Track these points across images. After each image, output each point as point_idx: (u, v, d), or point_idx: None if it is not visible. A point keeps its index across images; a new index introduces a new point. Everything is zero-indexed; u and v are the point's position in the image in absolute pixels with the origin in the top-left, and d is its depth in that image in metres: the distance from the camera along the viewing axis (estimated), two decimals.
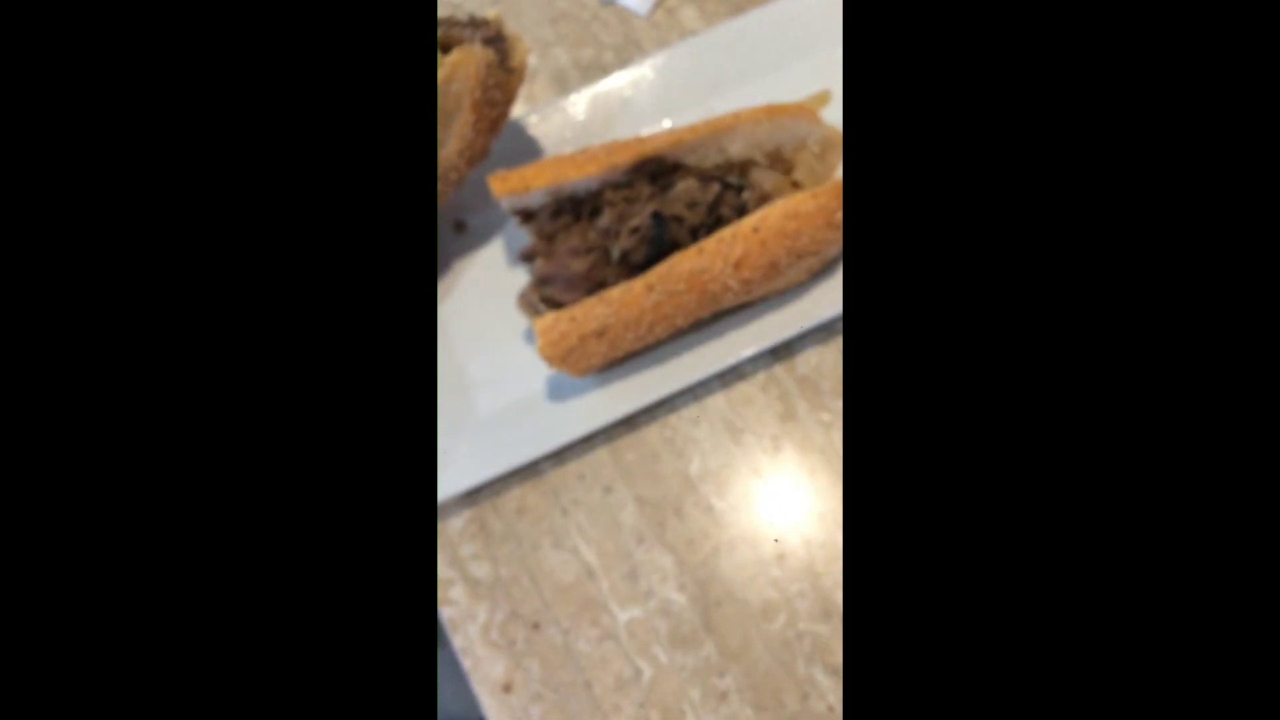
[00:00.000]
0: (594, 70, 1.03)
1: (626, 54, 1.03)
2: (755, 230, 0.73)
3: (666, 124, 0.93)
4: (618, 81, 0.95)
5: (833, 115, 0.91)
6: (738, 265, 0.73)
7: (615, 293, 0.72)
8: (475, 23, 0.79)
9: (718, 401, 0.85)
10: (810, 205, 0.73)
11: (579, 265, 0.75)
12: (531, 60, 1.05)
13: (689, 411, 0.85)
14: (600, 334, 0.73)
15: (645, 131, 0.93)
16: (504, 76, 0.78)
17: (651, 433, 0.84)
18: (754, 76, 0.94)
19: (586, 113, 0.95)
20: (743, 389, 0.85)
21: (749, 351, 0.80)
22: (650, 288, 0.72)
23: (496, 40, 0.78)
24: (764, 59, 0.95)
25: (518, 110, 1.02)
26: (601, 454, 0.84)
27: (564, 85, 1.03)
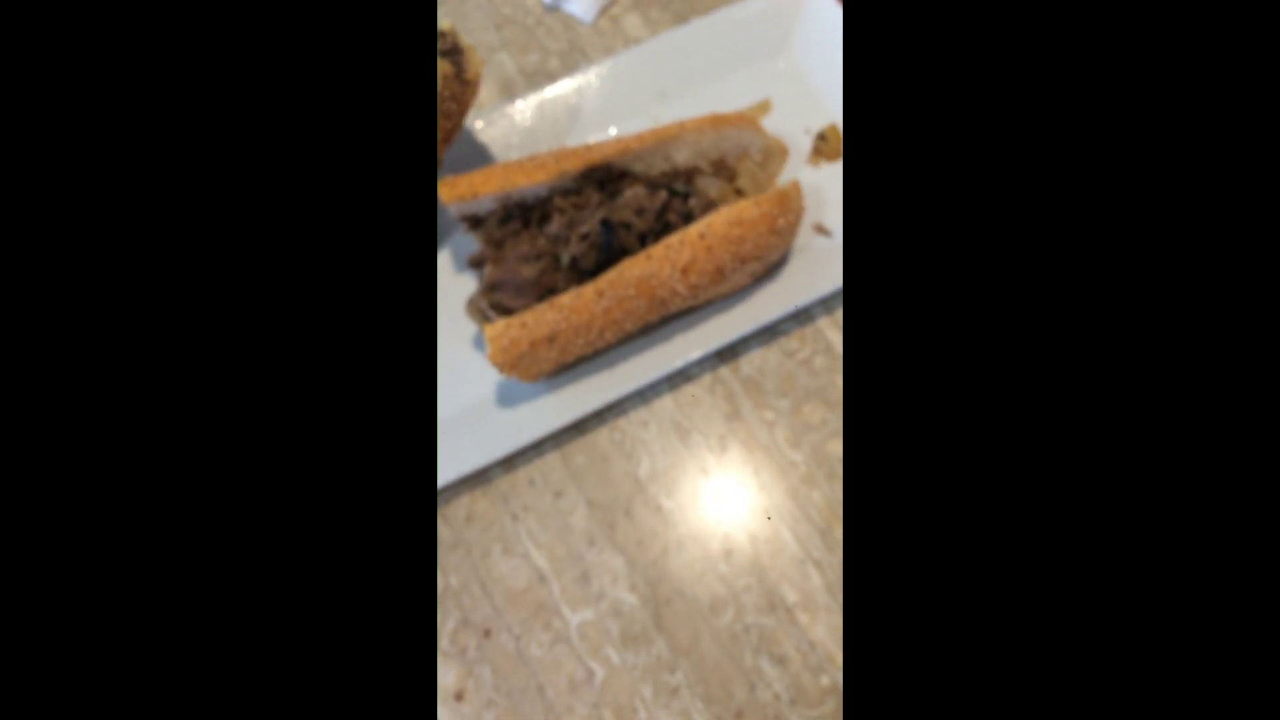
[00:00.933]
0: (539, 76, 1.03)
1: (572, 60, 1.04)
2: (702, 237, 0.75)
3: (613, 131, 0.95)
4: (564, 88, 0.96)
5: (772, 123, 0.94)
6: (685, 270, 0.75)
7: (566, 298, 0.73)
8: None
9: (665, 403, 0.86)
10: (754, 212, 0.76)
11: (529, 271, 0.75)
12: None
13: (638, 414, 0.86)
14: (551, 339, 0.74)
15: (593, 139, 0.94)
16: (459, 89, 0.78)
17: (601, 436, 0.85)
18: (698, 85, 0.97)
19: (533, 119, 0.95)
20: (690, 391, 0.87)
21: (696, 354, 0.82)
22: (600, 293, 0.73)
23: (453, 52, 0.77)
24: (707, 68, 0.97)
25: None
26: (552, 458, 0.85)
27: (510, 91, 1.03)
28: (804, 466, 0.83)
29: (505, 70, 1.04)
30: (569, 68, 1.03)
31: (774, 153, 0.85)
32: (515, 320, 0.73)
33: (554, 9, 1.07)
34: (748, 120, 0.82)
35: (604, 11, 1.06)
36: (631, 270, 0.74)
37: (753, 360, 0.87)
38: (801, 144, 0.93)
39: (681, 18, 1.05)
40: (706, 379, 0.87)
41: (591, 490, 0.83)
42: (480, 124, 0.95)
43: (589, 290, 0.73)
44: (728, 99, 0.96)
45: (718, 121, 0.80)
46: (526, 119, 0.95)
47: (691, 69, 0.97)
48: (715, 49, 0.97)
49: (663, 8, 1.06)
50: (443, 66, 0.75)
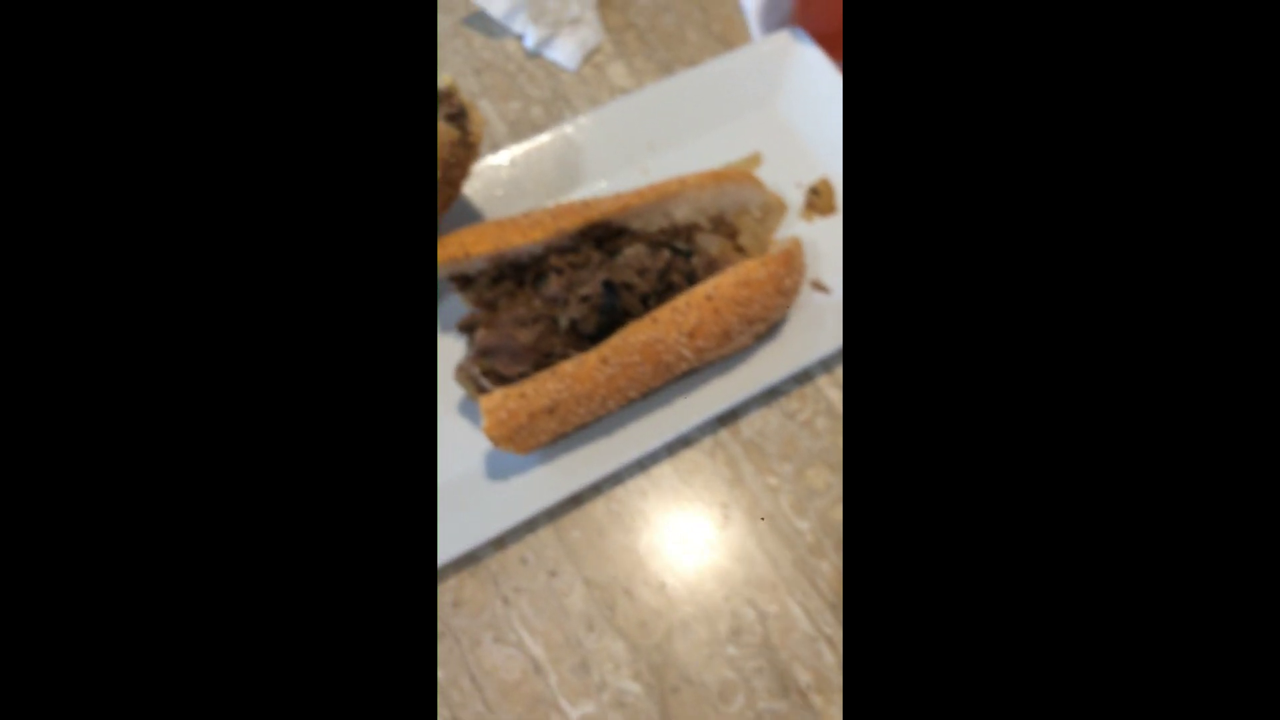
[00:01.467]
0: (522, 124, 0.99)
1: (556, 109, 1.01)
2: (709, 298, 0.71)
3: (604, 185, 0.91)
4: (550, 139, 0.92)
5: (763, 176, 0.92)
6: (692, 334, 0.71)
7: (568, 366, 0.68)
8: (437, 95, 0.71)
9: (664, 470, 0.82)
10: (761, 273, 0.73)
11: (525, 336, 0.70)
12: None
13: (635, 483, 0.81)
14: (551, 410, 0.69)
15: (582, 192, 0.90)
16: (463, 153, 0.72)
17: (597, 508, 0.80)
18: (686, 136, 0.94)
19: (519, 171, 0.91)
20: (689, 456, 0.82)
21: (696, 420, 0.78)
22: (605, 360, 0.69)
23: (458, 116, 0.70)
24: (696, 119, 0.95)
25: None
26: (545, 533, 0.79)
27: (492, 139, 0.98)
28: (810, 535, 0.79)
29: (486, 116, 1.00)
30: (553, 116, 1.00)
31: (772, 208, 0.83)
32: (514, 391, 0.68)
33: (536, 55, 1.04)
34: (748, 176, 0.80)
35: (588, 59, 1.03)
36: (636, 335, 0.69)
37: (753, 422, 0.84)
38: (793, 198, 0.91)
39: (666, 67, 1.03)
40: (706, 443, 0.83)
41: (589, 568, 0.78)
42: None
43: (592, 357, 0.69)
44: (717, 151, 0.93)
45: (719, 177, 0.77)
46: (511, 170, 0.91)
47: (680, 120, 0.94)
48: (703, 100, 0.95)
49: (647, 56, 1.04)
50: (446, 131, 0.69)
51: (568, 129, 0.92)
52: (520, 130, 0.99)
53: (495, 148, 0.97)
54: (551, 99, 1.01)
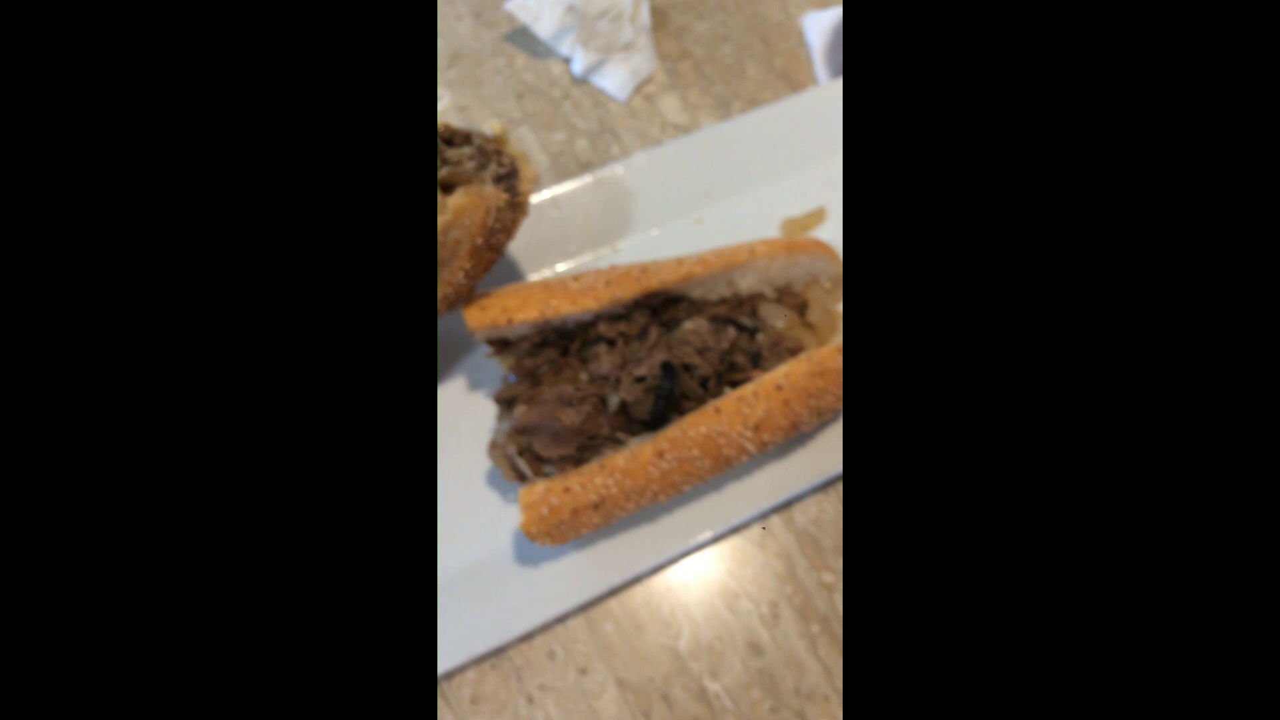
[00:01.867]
0: (565, 158, 0.92)
1: (602, 142, 0.93)
2: (779, 389, 0.64)
3: (655, 233, 0.83)
4: (596, 179, 0.84)
5: (826, 234, 0.85)
6: (758, 427, 0.64)
7: (620, 459, 0.61)
8: (484, 150, 0.62)
9: (709, 560, 0.74)
10: (838, 361, 0.65)
11: (570, 417, 0.63)
12: None
13: (677, 572, 0.74)
14: (597, 506, 0.61)
15: (631, 240, 0.83)
16: (510, 215, 0.63)
17: (635, 598, 0.73)
18: (746, 185, 0.86)
19: (562, 214, 0.83)
20: (737, 545, 0.75)
21: (752, 513, 0.71)
22: (661, 454, 0.61)
23: (509, 175, 0.62)
24: (756, 168, 0.87)
25: None
26: (576, 625, 0.71)
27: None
28: None
29: (527, 147, 0.92)
30: (598, 151, 0.92)
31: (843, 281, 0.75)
32: (557, 484, 0.60)
33: (583, 82, 0.95)
34: (822, 247, 0.72)
35: (639, 89, 0.95)
36: (697, 427, 0.62)
37: (808, 509, 0.76)
38: None
39: (723, 102, 0.95)
40: (756, 531, 0.76)
41: (623, 667, 0.71)
42: None
43: (648, 450, 0.61)
44: (778, 203, 0.86)
45: (792, 248, 0.70)
46: (553, 214, 0.83)
47: (739, 167, 0.87)
48: (765, 147, 0.87)
49: (703, 90, 0.96)
50: (496, 196, 0.59)
51: (618, 169, 0.84)
52: (563, 164, 0.91)
53: (538, 184, 0.89)
54: (598, 131, 0.93)
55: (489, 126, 0.65)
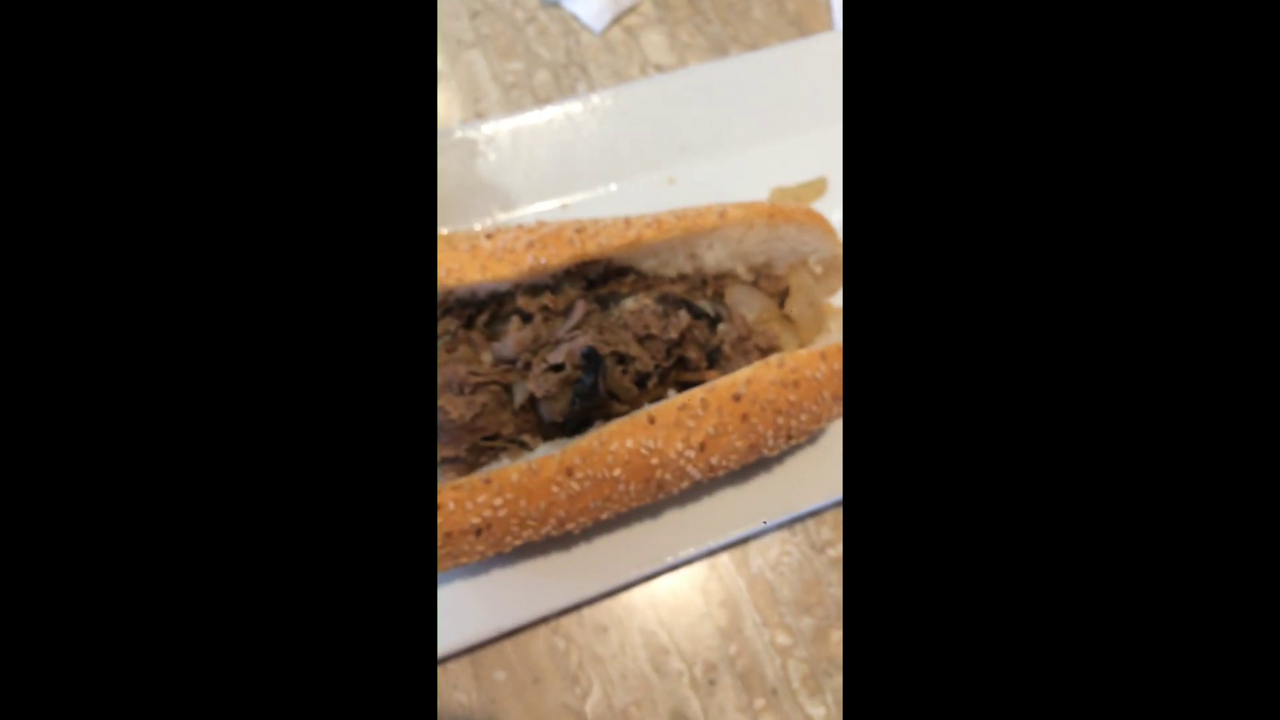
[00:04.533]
0: (520, 91, 0.76)
1: (567, 77, 0.77)
2: (736, 399, 0.48)
3: (612, 188, 0.68)
4: (549, 117, 0.68)
5: (825, 208, 0.69)
6: (703, 447, 0.48)
7: (513, 474, 0.45)
8: None
9: (636, 602, 0.59)
10: (819, 370, 0.50)
11: (459, 409, 0.48)
12: (439, 64, 0.76)
13: (594, 613, 0.59)
14: (480, 531, 0.46)
15: (581, 195, 0.67)
16: None
17: (536, 640, 0.58)
18: (733, 143, 0.71)
19: (504, 153, 0.67)
20: (673, 586, 0.60)
21: (693, 552, 0.56)
22: (569, 472, 0.46)
23: None
24: (748, 122, 0.71)
25: None
26: (457, 669, 0.57)
27: (476, 103, 0.75)
28: None
29: (474, 73, 0.76)
30: (561, 87, 0.76)
31: (839, 266, 0.60)
32: None
33: (553, 5, 0.79)
34: (817, 219, 0.57)
35: (618, 20, 0.79)
36: (621, 440, 0.46)
37: (767, 550, 0.61)
38: None
39: (719, 46, 0.79)
40: (699, 571, 0.60)
41: None
42: None
43: (552, 466, 0.46)
44: (771, 168, 0.70)
45: (776, 215, 0.54)
46: (494, 151, 0.67)
47: (726, 120, 0.71)
48: (760, 98, 0.72)
49: (697, 28, 0.80)
50: None
51: (576, 107, 0.69)
52: (516, 99, 0.75)
53: (481, 115, 0.73)
54: (564, 64, 0.77)
55: None
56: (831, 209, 0.69)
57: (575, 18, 0.79)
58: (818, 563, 0.61)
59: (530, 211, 0.67)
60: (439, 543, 0.46)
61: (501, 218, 0.66)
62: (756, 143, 0.71)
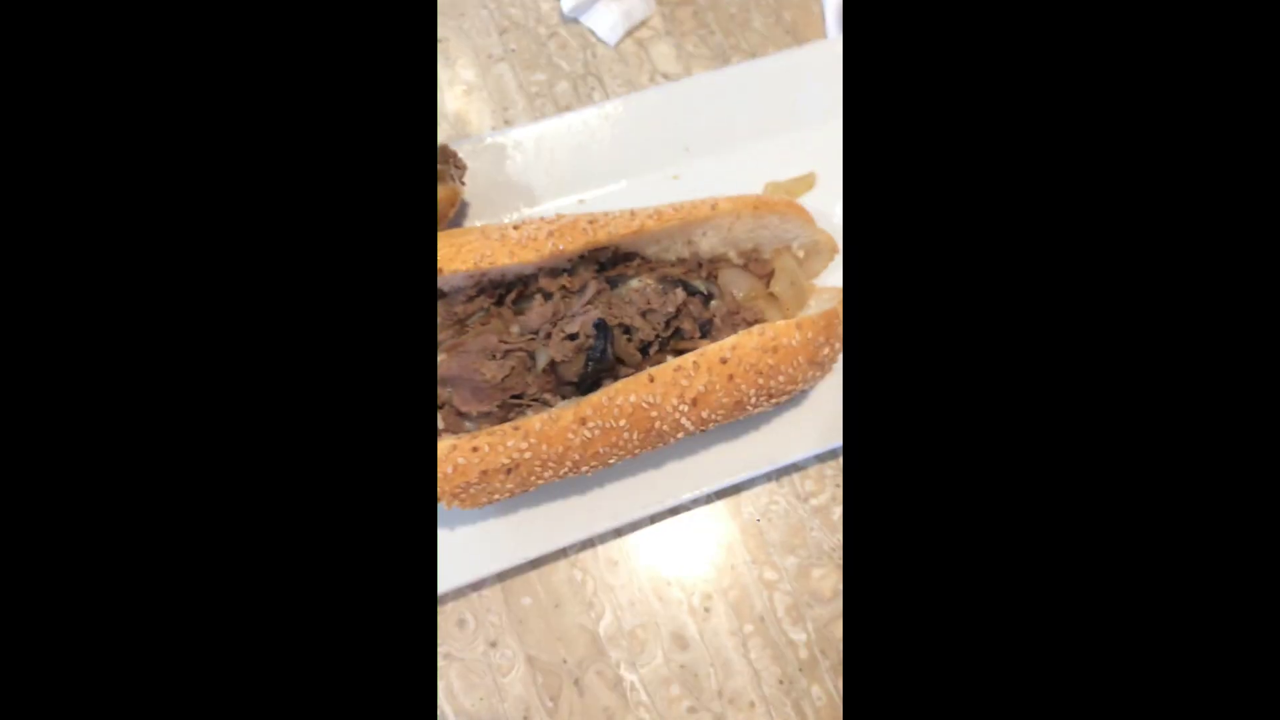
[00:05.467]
0: (543, 100, 0.85)
1: (585, 87, 0.86)
2: (723, 362, 0.57)
3: (622, 184, 0.77)
4: (570, 123, 0.78)
5: (813, 202, 0.77)
6: (695, 402, 0.58)
7: (536, 423, 0.55)
8: (444, 151, 0.68)
9: (643, 540, 0.69)
10: (794, 338, 0.59)
11: (492, 371, 0.58)
12: (469, 75, 0.86)
13: (606, 549, 0.69)
14: (509, 470, 0.56)
15: (594, 192, 0.76)
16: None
17: (557, 572, 0.68)
18: (730, 143, 0.79)
19: (528, 155, 0.77)
20: (675, 528, 0.69)
21: (691, 495, 0.65)
22: (583, 420, 0.56)
23: (461, 171, 0.69)
24: (744, 124, 0.80)
25: (444, 136, 0.83)
26: (491, 594, 0.67)
27: (505, 111, 0.85)
28: (805, 650, 0.66)
29: (503, 83, 0.86)
30: (580, 95, 0.85)
31: (820, 249, 0.69)
32: (465, 442, 0.55)
33: (572, 21, 0.89)
34: (794, 208, 0.66)
35: (631, 33, 0.88)
36: (626, 395, 0.56)
37: (757, 499, 0.71)
38: None
39: (721, 55, 0.88)
40: (698, 514, 0.70)
41: (536, 644, 0.66)
42: (465, 149, 0.77)
43: (568, 415, 0.56)
44: (765, 165, 0.79)
45: (760, 206, 0.63)
46: (520, 154, 0.77)
47: (725, 123, 0.80)
48: (756, 102, 0.80)
49: (701, 39, 0.89)
50: (459, 190, 0.67)
51: (590, 114, 0.78)
52: (539, 107, 0.84)
53: (509, 122, 0.83)
54: (582, 75, 0.87)
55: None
56: (820, 201, 0.77)
57: (592, 32, 0.88)
58: (801, 510, 0.70)
59: (551, 206, 0.76)
60: (476, 480, 0.56)
61: (526, 212, 0.76)
62: (753, 141, 0.79)
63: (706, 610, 0.67)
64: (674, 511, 0.69)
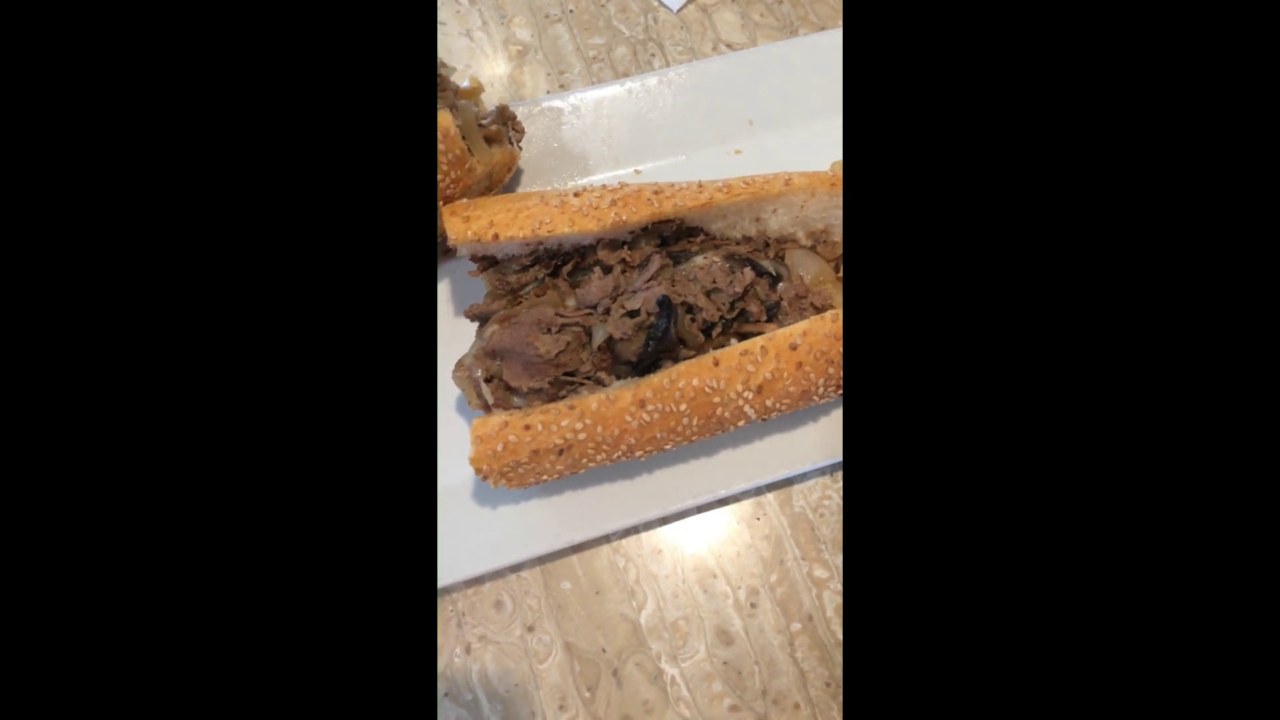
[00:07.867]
0: (600, 65, 0.81)
1: (644, 53, 0.82)
2: (793, 348, 0.54)
3: (682, 158, 0.73)
4: (627, 89, 0.74)
5: None
6: (761, 389, 0.54)
7: (593, 403, 0.52)
8: (503, 114, 0.68)
9: (689, 529, 0.66)
10: None
11: (546, 345, 0.55)
12: (525, 35, 0.83)
13: (651, 537, 0.66)
14: (562, 451, 0.53)
15: (653, 163, 0.73)
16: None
17: (599, 559, 0.65)
18: (799, 119, 0.75)
19: (585, 121, 0.73)
20: (722, 519, 0.66)
21: (744, 485, 0.62)
22: (642, 403, 0.52)
23: (519, 135, 0.69)
24: (813, 99, 0.76)
25: (497, 98, 0.80)
26: (530, 577, 0.64)
27: (561, 74, 0.81)
28: None
29: (559, 45, 0.82)
30: (639, 61, 0.81)
31: None
32: (517, 420, 0.52)
33: None
34: None
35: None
36: (689, 379, 0.53)
37: (809, 492, 0.67)
38: None
39: (789, 26, 0.83)
40: (747, 506, 0.67)
41: (575, 631, 0.63)
42: (520, 112, 0.73)
43: (627, 397, 0.53)
44: (830, 144, 0.75)
45: (838, 184, 0.59)
46: (576, 120, 0.73)
47: (792, 97, 0.76)
48: (826, 77, 0.76)
49: (768, 8, 0.84)
50: (515, 153, 0.67)
51: (652, 80, 0.74)
52: (597, 72, 0.81)
53: (564, 86, 0.79)
54: (642, 40, 0.83)
55: (467, 79, 0.68)
56: None
57: None
58: None
59: (607, 176, 0.73)
60: (527, 460, 0.53)
61: (581, 181, 0.73)
62: (821, 117, 0.75)
63: (753, 606, 0.65)
64: (723, 502, 0.66)
